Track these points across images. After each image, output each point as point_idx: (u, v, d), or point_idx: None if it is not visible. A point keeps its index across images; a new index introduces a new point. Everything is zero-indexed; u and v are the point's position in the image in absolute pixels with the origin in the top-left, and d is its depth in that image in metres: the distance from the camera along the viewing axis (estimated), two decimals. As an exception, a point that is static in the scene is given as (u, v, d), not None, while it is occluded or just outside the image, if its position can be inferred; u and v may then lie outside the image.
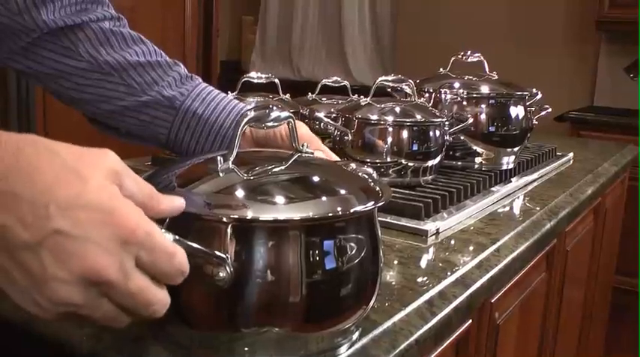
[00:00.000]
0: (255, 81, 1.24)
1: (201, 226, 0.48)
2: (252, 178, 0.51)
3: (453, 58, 1.31)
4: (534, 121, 1.30)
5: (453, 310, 0.69)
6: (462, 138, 1.18)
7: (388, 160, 1.03)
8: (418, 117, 1.04)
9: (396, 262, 0.78)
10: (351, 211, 0.50)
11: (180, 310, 0.48)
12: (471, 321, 0.80)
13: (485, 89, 1.20)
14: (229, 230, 0.47)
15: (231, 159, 0.52)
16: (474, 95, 1.19)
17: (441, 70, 1.29)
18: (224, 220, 0.47)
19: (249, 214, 0.47)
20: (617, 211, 1.87)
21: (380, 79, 1.11)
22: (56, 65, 0.77)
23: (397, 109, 1.05)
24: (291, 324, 0.49)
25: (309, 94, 1.37)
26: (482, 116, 1.18)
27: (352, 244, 0.51)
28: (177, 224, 0.47)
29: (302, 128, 0.76)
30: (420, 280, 0.73)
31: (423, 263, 0.80)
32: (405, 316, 0.63)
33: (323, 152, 0.74)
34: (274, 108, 0.54)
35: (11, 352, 0.63)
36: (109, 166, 0.43)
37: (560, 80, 3.41)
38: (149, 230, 0.42)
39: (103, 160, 0.43)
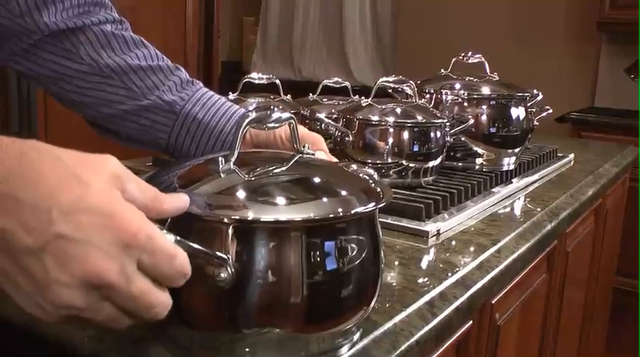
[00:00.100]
0: (257, 82, 1.24)
1: (203, 227, 0.48)
2: (253, 178, 0.51)
3: (453, 59, 1.31)
4: (535, 122, 1.30)
5: (453, 311, 0.69)
6: (462, 139, 1.18)
7: (389, 161, 1.03)
8: (419, 118, 1.05)
9: (396, 262, 0.78)
10: (352, 212, 0.50)
11: (181, 310, 0.48)
12: (471, 322, 0.80)
13: (486, 90, 1.20)
14: (230, 231, 0.47)
15: (233, 160, 0.52)
16: (475, 96, 1.19)
17: (442, 71, 1.29)
18: (225, 220, 0.47)
19: (251, 215, 0.47)
20: (617, 213, 1.87)
21: (381, 80, 1.12)
22: (57, 68, 0.77)
23: (398, 110, 1.05)
24: (292, 325, 0.49)
25: (310, 94, 1.38)
26: (483, 117, 1.18)
27: (353, 245, 0.51)
28: (178, 225, 0.47)
29: (302, 129, 0.76)
30: (420, 280, 0.73)
31: (424, 264, 0.80)
32: (406, 316, 0.64)
33: (325, 154, 0.74)
34: (275, 109, 0.55)
35: (12, 352, 0.63)
36: (111, 171, 0.43)
37: (560, 81, 3.41)
38: (150, 233, 0.42)
39: (104, 165, 0.43)
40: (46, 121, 2.23)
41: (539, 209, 1.06)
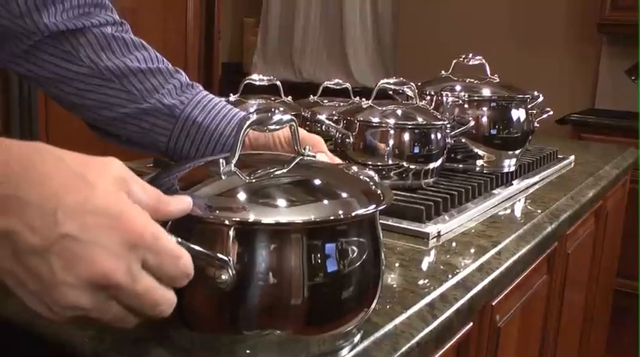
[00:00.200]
0: (257, 83, 1.24)
1: (204, 229, 0.48)
2: (254, 181, 0.51)
3: (454, 61, 1.31)
4: (535, 124, 1.30)
5: (454, 313, 0.69)
6: (463, 141, 1.18)
7: (390, 162, 1.03)
8: (420, 120, 1.05)
9: (397, 264, 0.78)
10: (353, 214, 0.51)
11: (182, 312, 0.48)
12: (472, 324, 0.80)
13: (486, 92, 1.20)
14: (232, 233, 0.47)
15: (234, 162, 0.52)
16: (476, 98, 1.19)
17: (443, 72, 1.30)
18: (226, 222, 0.47)
19: (252, 217, 0.47)
20: (618, 214, 1.87)
21: (381, 81, 1.12)
22: (57, 69, 0.77)
23: (399, 112, 1.05)
24: (292, 326, 0.49)
25: (311, 96, 1.38)
26: (484, 119, 1.19)
27: (354, 247, 0.51)
28: (179, 227, 0.47)
29: (302, 131, 0.76)
30: (421, 282, 0.73)
31: (425, 266, 0.80)
32: (407, 318, 0.64)
33: (326, 155, 0.74)
34: (276, 111, 0.55)
35: (11, 352, 0.63)
36: (116, 175, 0.43)
37: (561, 82, 3.41)
38: (156, 233, 0.43)
39: (109, 168, 0.43)
40: (47, 123, 2.24)
41: (539, 211, 1.06)
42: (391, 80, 1.13)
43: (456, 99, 1.19)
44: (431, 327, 0.64)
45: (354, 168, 0.61)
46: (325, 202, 0.51)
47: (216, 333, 0.50)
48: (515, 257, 0.87)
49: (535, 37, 3.53)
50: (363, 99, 1.19)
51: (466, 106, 1.19)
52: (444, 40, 3.59)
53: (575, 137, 2.96)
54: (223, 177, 0.51)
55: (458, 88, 1.21)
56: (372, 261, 0.53)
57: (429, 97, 1.21)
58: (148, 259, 0.42)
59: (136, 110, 0.78)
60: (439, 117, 1.09)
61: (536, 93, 1.30)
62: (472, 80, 1.24)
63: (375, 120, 1.04)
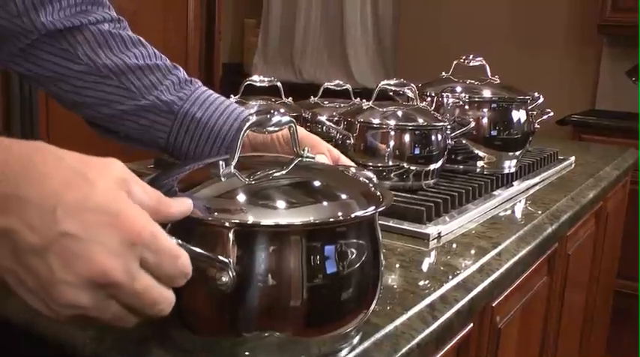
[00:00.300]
0: (258, 84, 1.24)
1: (204, 231, 0.48)
2: (253, 182, 0.51)
3: (455, 62, 1.31)
4: (536, 125, 1.30)
5: (454, 314, 0.69)
6: (463, 142, 1.18)
7: (390, 163, 1.03)
8: (420, 121, 1.05)
9: (397, 265, 0.78)
10: (352, 216, 0.51)
11: (182, 314, 0.48)
12: (472, 325, 0.80)
13: (487, 93, 1.20)
14: (231, 235, 0.47)
15: (233, 163, 0.52)
16: (476, 99, 1.19)
17: (443, 73, 1.30)
18: (226, 224, 0.47)
19: (251, 219, 0.47)
20: (618, 215, 1.87)
21: (382, 82, 1.12)
22: (55, 68, 0.77)
23: (399, 113, 1.05)
24: (292, 328, 0.49)
25: (312, 97, 1.38)
26: (484, 120, 1.19)
27: (353, 249, 0.51)
28: (179, 229, 0.47)
29: (302, 132, 0.76)
30: (421, 283, 0.73)
31: (425, 267, 0.80)
32: (407, 319, 0.64)
33: (329, 152, 0.74)
34: (275, 112, 0.55)
35: (11, 352, 0.63)
36: (117, 175, 0.43)
37: (561, 83, 3.41)
38: (155, 232, 0.43)
39: (110, 168, 0.44)
40: (48, 122, 2.24)
41: (539, 212, 1.07)
42: (392, 81, 1.13)
43: (457, 100, 1.19)
44: (431, 328, 0.64)
45: (353, 169, 0.62)
46: (324, 203, 0.51)
47: (216, 335, 0.50)
48: (516, 258, 0.87)
49: (535, 38, 3.53)
50: (364, 100, 1.19)
51: (466, 107, 1.19)
52: (445, 41, 3.59)
53: (575, 138, 2.96)
54: (223, 179, 0.52)
55: (458, 89, 1.21)
56: (371, 262, 0.53)
57: (429, 99, 1.21)
58: (146, 257, 0.42)
59: (134, 107, 0.78)
60: (439, 118, 1.09)
61: (536, 94, 1.30)
62: (472, 81, 1.24)
63: (376, 121, 1.04)
